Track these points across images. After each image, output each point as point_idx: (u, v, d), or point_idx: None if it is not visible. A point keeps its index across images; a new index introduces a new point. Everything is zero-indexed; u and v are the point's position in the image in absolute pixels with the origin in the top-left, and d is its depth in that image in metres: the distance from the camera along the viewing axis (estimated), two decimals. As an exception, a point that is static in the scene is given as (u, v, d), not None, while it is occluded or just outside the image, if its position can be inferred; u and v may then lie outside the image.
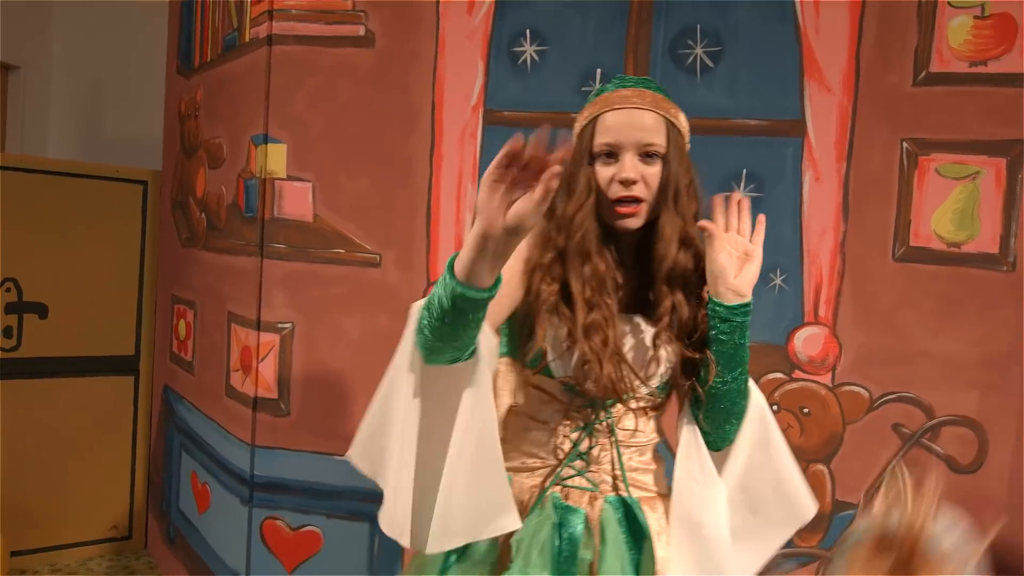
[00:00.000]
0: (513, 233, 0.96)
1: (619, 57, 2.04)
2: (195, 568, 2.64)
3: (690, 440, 1.25)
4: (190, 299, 2.73)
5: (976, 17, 1.81)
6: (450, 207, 2.16)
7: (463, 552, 1.21)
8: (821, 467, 1.99)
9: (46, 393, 2.87)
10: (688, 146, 1.25)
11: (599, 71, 2.05)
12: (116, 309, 2.99)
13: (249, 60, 2.29)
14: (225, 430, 2.42)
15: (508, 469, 1.22)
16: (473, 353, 1.06)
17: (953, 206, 1.86)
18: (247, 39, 2.31)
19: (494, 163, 0.95)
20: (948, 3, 1.83)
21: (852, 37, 1.90)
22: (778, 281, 1.96)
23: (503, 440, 1.20)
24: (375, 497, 2.29)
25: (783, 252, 1.96)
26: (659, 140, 1.17)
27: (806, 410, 1.99)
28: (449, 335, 1.02)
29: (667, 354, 1.21)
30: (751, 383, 1.26)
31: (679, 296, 1.20)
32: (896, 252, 1.91)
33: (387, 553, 2.24)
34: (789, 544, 2.03)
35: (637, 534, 1.21)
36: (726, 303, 1.17)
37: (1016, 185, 1.83)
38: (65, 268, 2.87)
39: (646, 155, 1.17)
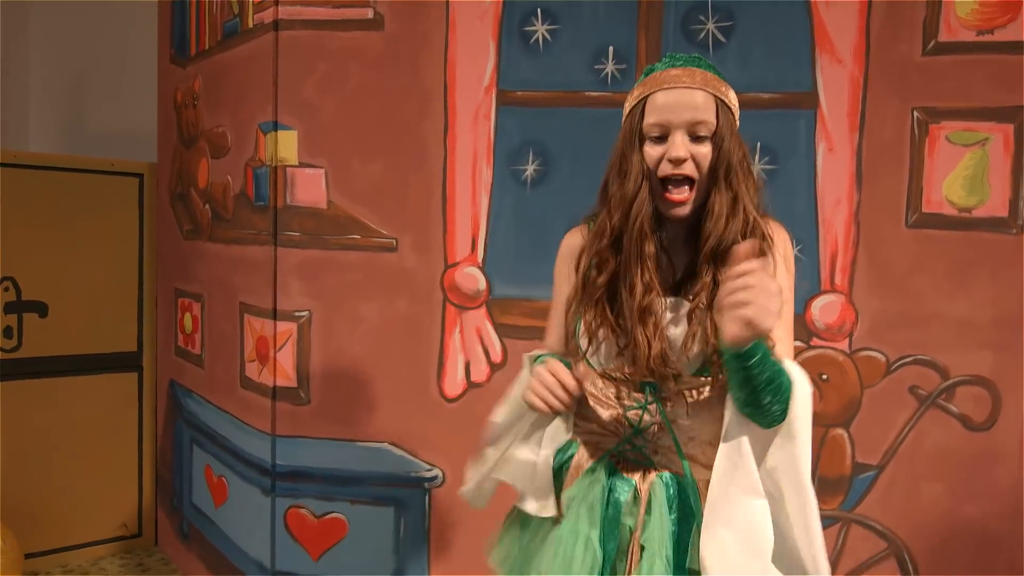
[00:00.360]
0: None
1: (631, 34, 2.05)
2: (213, 562, 2.63)
3: (733, 422, 1.19)
4: (196, 292, 2.70)
5: (982, -14, 1.86)
6: (466, 189, 2.16)
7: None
8: (840, 431, 2.04)
9: (49, 393, 2.82)
10: (738, 123, 1.23)
11: (611, 49, 2.06)
12: (117, 305, 2.94)
13: (254, 46, 2.26)
14: (242, 421, 2.40)
15: (576, 431, 1.33)
16: None
17: (963, 172, 1.91)
18: (250, 25, 2.28)
19: (551, 382, 1.16)
20: (955, -27, 1.87)
21: (862, 8, 1.93)
22: (795, 251, 2.00)
23: (579, 416, 1.32)
24: (398, 481, 2.31)
25: (799, 223, 1.99)
26: (709, 118, 1.16)
27: (825, 376, 2.03)
28: None
29: (703, 333, 1.18)
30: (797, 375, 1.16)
31: (722, 272, 1.16)
32: (909, 219, 1.95)
33: (412, 535, 2.26)
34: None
35: (688, 514, 1.22)
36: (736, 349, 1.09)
37: (1022, 151, 1.88)
38: (63, 265, 2.82)
39: (696, 135, 1.16)
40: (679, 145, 1.16)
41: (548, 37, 2.08)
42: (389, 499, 2.26)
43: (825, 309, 2.01)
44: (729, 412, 1.18)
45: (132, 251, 2.97)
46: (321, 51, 2.16)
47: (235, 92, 2.40)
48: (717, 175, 1.17)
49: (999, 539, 1.96)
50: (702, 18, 2.01)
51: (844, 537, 2.05)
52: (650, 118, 1.18)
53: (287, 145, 2.20)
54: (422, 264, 2.19)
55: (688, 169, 1.16)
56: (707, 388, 1.23)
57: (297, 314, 2.24)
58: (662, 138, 1.18)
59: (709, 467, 1.20)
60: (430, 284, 2.19)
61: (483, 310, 2.17)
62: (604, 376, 1.27)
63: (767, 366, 1.08)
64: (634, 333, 1.18)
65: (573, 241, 1.34)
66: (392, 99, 2.16)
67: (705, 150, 1.17)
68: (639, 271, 1.19)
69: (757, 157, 2.01)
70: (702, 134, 1.16)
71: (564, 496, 1.28)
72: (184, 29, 2.71)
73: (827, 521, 2.07)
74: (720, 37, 2.00)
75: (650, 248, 1.19)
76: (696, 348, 1.19)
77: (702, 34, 2.01)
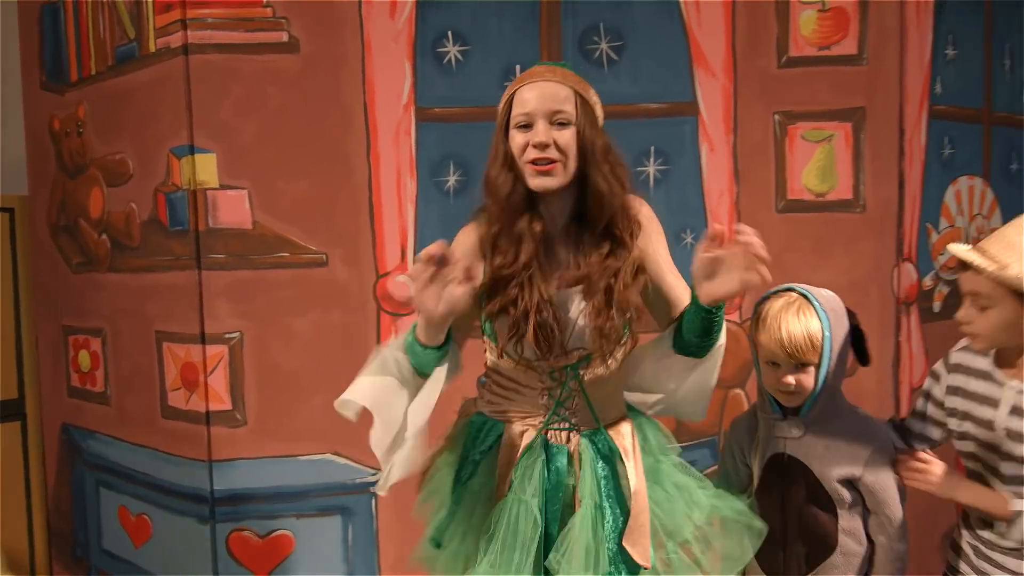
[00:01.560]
0: (448, 315, 1.25)
1: (534, 54, 2.26)
2: (136, 606, 2.51)
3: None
4: (94, 327, 2.57)
5: (819, 11, 2.26)
6: (392, 202, 2.27)
7: (465, 484, 1.46)
8: (738, 391, 2.36)
9: (-80, 453, 2.56)
10: (601, 119, 1.42)
11: (517, 67, 2.26)
12: (-8, 350, 2.72)
13: (159, 71, 2.23)
14: (168, 453, 2.34)
15: (501, 417, 1.47)
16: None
17: (816, 164, 2.30)
18: (152, 49, 2.24)
19: (416, 267, 1.22)
20: (799, 0, 2.26)
21: (727, 30, 2.27)
22: (688, 240, 2.29)
23: (487, 390, 1.52)
24: (344, 489, 2.37)
25: (690, 214, 2.30)
26: (568, 108, 1.33)
27: (723, 345, 2.35)
28: (423, 366, 1.36)
29: (598, 309, 1.37)
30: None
31: (599, 255, 1.37)
32: (778, 205, 2.32)
33: (361, 541, 2.31)
34: (715, 459, 2.39)
35: (608, 456, 1.45)
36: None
37: (860, 144, 2.30)
38: (-73, 312, 2.58)
39: (558, 123, 1.33)
40: (541, 131, 1.32)
41: (460, 57, 2.25)
42: (336, 508, 2.30)
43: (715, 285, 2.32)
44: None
45: (7, 291, 2.76)
46: (236, 74, 2.18)
47: (136, 117, 2.34)
48: (588, 157, 1.35)
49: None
50: (596, 39, 2.26)
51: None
52: (516, 109, 1.36)
53: (206, 168, 2.19)
54: (354, 276, 2.26)
55: (551, 153, 1.33)
56: (620, 353, 1.44)
57: (227, 336, 2.23)
58: (527, 126, 1.34)
59: (616, 420, 1.46)
60: (363, 295, 2.27)
61: (416, 315, 2.28)
62: (526, 365, 1.41)
63: (722, 311, 1.35)
64: (533, 321, 1.34)
65: (467, 239, 1.44)
66: (313, 119, 2.22)
67: (567, 136, 1.34)
68: (521, 249, 1.35)
69: (652, 159, 2.29)
70: (562, 121, 1.34)
71: (503, 470, 1.43)
72: (59, 54, 2.59)
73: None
74: (613, 56, 2.27)
75: (522, 224, 1.35)
76: (594, 323, 1.37)
77: (596, 53, 2.27)
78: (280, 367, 2.25)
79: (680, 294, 1.45)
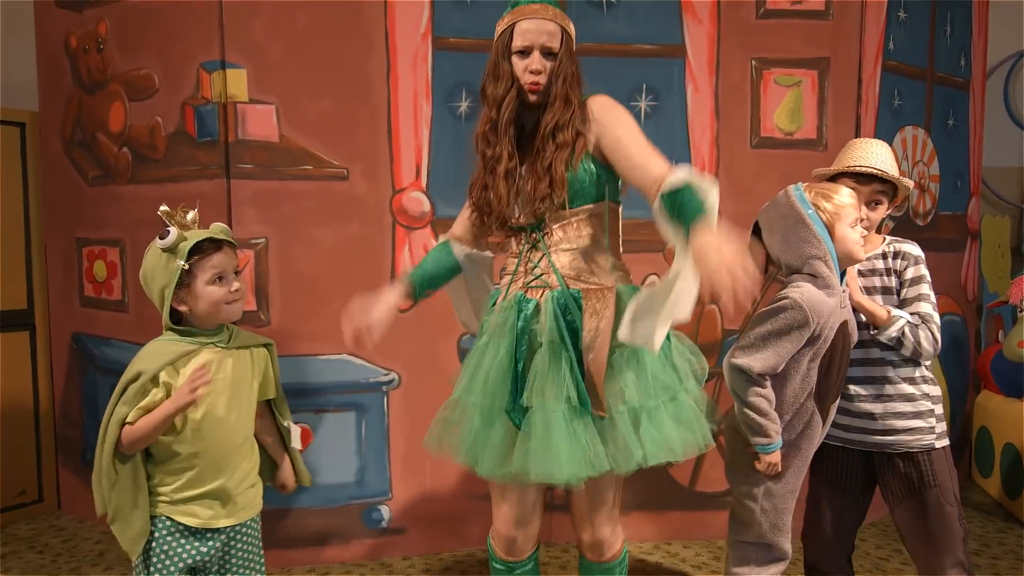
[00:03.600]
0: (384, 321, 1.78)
1: (542, -7, 2.48)
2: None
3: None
4: (113, 237, 2.69)
5: (794, -31, 2.55)
6: (408, 122, 2.46)
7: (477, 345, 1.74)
8: (712, 306, 2.66)
9: (-68, 356, 2.64)
10: (575, 45, 1.71)
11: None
12: (3, 261, 2.80)
13: (190, -11, 2.37)
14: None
15: (502, 284, 1.78)
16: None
17: (787, 106, 2.60)
18: (183, -31, 2.37)
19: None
20: (777, -42, 2.55)
21: (714, -19, 2.54)
22: (674, 169, 2.56)
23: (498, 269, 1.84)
24: (358, 388, 2.58)
25: (676, 146, 2.57)
26: (556, 43, 1.67)
27: (700, 265, 2.63)
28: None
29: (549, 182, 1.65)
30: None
31: (558, 137, 1.66)
32: (752, 142, 2.61)
33: (373, 436, 2.53)
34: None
35: (568, 309, 1.68)
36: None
37: (824, 90, 2.61)
38: (-59, 219, 2.64)
39: (547, 53, 1.66)
40: (536, 60, 1.66)
41: (475, -8, 2.45)
42: (351, 405, 2.51)
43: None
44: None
45: (16, 204, 2.84)
46: (267, -5, 2.34)
47: (163, 34, 2.46)
48: (558, 80, 1.67)
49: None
50: (598, -17, 2.50)
51: (718, 389, 2.68)
52: (517, 40, 1.66)
53: (237, 83, 2.35)
54: (372, 190, 2.46)
55: (542, 79, 1.66)
56: (571, 218, 1.70)
57: (254, 241, 2.40)
58: (524, 53, 1.66)
59: (585, 281, 1.68)
60: (380, 208, 2.47)
61: (428, 229, 2.50)
62: (508, 231, 1.72)
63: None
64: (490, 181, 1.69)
65: None
66: (337, 42, 2.40)
67: (552, 64, 1.67)
68: (507, 146, 1.68)
69: (644, 95, 2.55)
70: (552, 50, 1.66)
71: (488, 321, 1.72)
72: (79, -27, 2.67)
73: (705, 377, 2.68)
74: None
75: (512, 131, 1.69)
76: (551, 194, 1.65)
77: (598, -4, 2.51)
78: (302, 272, 2.44)
79: (646, 162, 1.65)
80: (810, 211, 1.72)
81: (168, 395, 1.53)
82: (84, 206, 2.78)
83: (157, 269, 1.57)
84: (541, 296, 1.68)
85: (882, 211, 1.92)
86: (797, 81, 2.60)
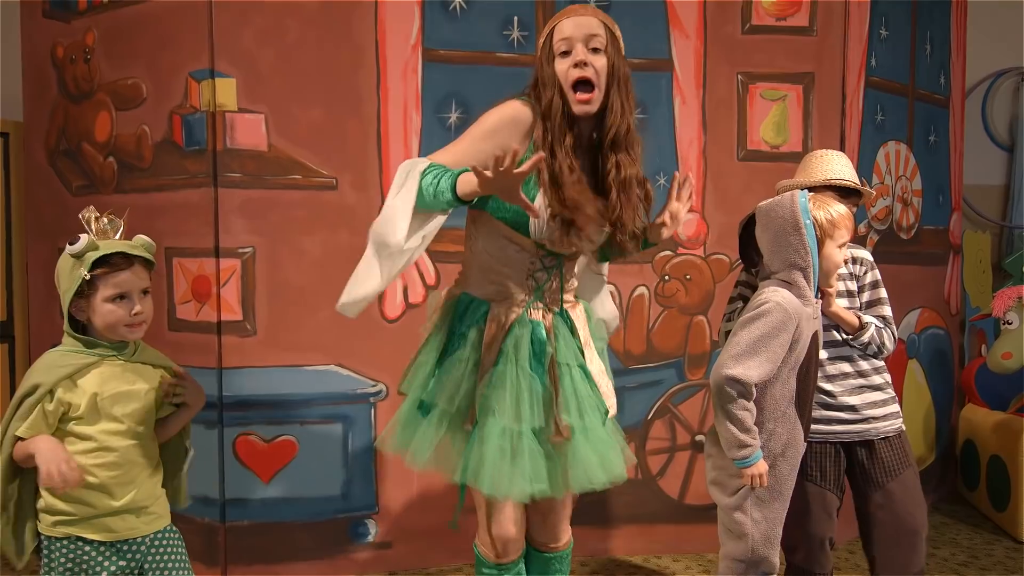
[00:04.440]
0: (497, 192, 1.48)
1: (530, 7, 2.51)
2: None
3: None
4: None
5: (778, -14, 2.59)
6: (398, 133, 2.47)
7: (452, 355, 1.66)
8: (701, 317, 2.66)
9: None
10: (623, 50, 1.67)
11: (516, 19, 2.50)
12: (-17, 272, 2.76)
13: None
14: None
15: (483, 296, 1.68)
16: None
17: (773, 120, 2.63)
18: (173, -22, 2.37)
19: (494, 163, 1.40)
20: (760, -23, 2.59)
21: (700, -2, 2.58)
22: (662, 181, 2.57)
23: (471, 273, 1.71)
24: (345, 399, 2.55)
25: (664, 158, 2.59)
26: (601, 34, 1.59)
27: (688, 276, 2.65)
28: (434, 204, 1.57)
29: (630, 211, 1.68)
30: None
31: (621, 156, 1.63)
32: (739, 154, 2.63)
33: (360, 448, 2.50)
34: (681, 378, 2.68)
35: (574, 331, 1.73)
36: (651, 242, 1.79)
37: (809, 104, 2.64)
38: (-79, 228, 2.60)
39: (592, 48, 1.58)
40: (580, 52, 1.57)
41: (464, 5, 2.47)
42: (337, 416, 2.48)
43: (686, 225, 2.62)
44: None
45: (-1, 215, 2.81)
46: (257, 5, 2.34)
47: (152, 44, 2.45)
48: (613, 80, 1.61)
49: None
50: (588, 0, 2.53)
51: (708, 399, 2.67)
52: (558, 37, 1.59)
53: (226, 91, 2.34)
54: (361, 200, 2.45)
55: (589, 73, 1.57)
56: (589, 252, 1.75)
57: (241, 250, 2.38)
58: (567, 52, 1.58)
59: (571, 299, 1.74)
60: (369, 219, 2.37)
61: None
62: (537, 245, 1.63)
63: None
64: (574, 216, 1.58)
65: (523, 112, 1.62)
66: (327, 53, 2.40)
67: (601, 61, 1.59)
68: (567, 161, 1.57)
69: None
70: (597, 47, 1.58)
71: (503, 347, 1.63)
72: (66, -17, 2.67)
73: (694, 388, 2.69)
74: (601, 13, 2.54)
75: (569, 140, 1.58)
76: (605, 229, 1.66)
77: (586, 10, 2.53)
78: (289, 282, 2.42)
79: None
80: (808, 221, 1.74)
81: (64, 411, 1.48)
82: (68, 216, 2.74)
83: (63, 273, 1.51)
84: (544, 319, 1.68)
85: None
86: (782, 95, 2.64)
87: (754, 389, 1.70)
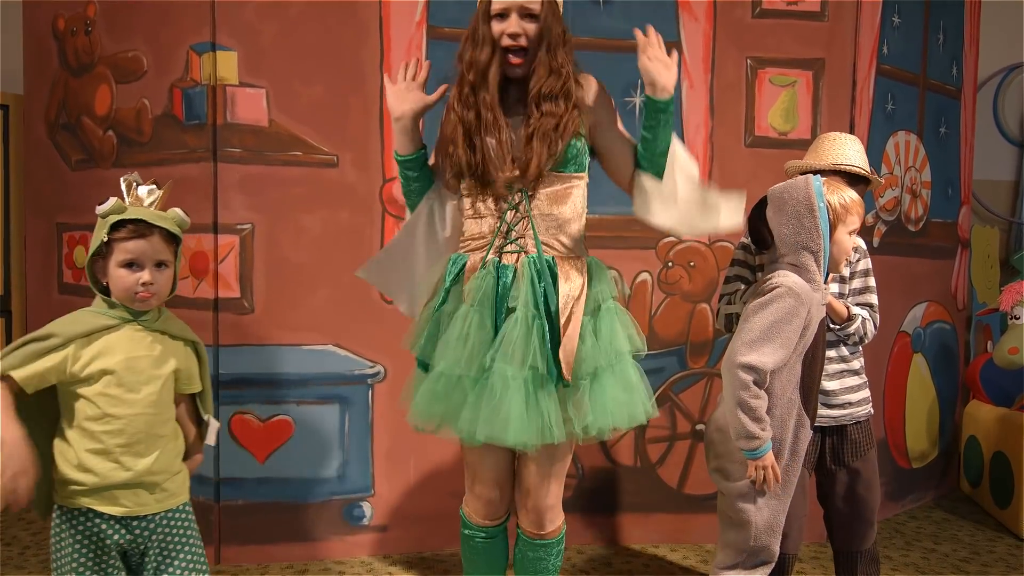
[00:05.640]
0: (413, 114, 1.73)
1: (538, -14, 2.47)
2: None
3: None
4: (94, 223, 2.62)
5: (790, -30, 2.55)
6: (401, 112, 2.42)
7: (439, 309, 1.69)
8: (704, 305, 2.63)
9: (-97, 340, 2.56)
10: (561, 10, 1.69)
11: None
12: (-20, 245, 2.74)
13: (182, -29, 2.33)
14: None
15: (467, 248, 1.72)
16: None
17: (781, 106, 2.59)
18: (176, -50, 2.34)
19: (395, 77, 1.69)
20: (772, -42, 2.55)
21: (711, -20, 2.54)
22: (667, 166, 2.54)
23: (463, 232, 1.74)
24: (343, 380, 2.52)
25: (670, 144, 2.55)
26: (535, 5, 1.63)
27: (692, 264, 2.61)
28: (409, 192, 1.82)
29: (541, 149, 1.64)
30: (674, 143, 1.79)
31: (545, 107, 1.64)
32: (747, 140, 2.60)
33: (357, 429, 2.47)
34: (682, 366, 2.65)
35: (544, 275, 1.66)
36: (661, 99, 1.70)
37: (818, 91, 2.60)
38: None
39: (528, 15, 1.63)
40: (514, 23, 1.63)
41: (471, -17, 2.43)
42: (334, 397, 2.45)
43: (690, 211, 2.58)
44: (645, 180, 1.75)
45: (-3, 188, 2.78)
46: (260, -22, 2.31)
47: (153, 16, 2.42)
48: (542, 44, 1.65)
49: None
50: (595, -22, 2.49)
51: (709, 387, 2.64)
52: (495, 4, 1.64)
53: (227, 65, 2.31)
54: (362, 179, 2.42)
55: (522, 41, 1.64)
56: (558, 183, 1.68)
57: (239, 227, 2.35)
58: (503, 16, 1.64)
59: (558, 249, 1.68)
60: (370, 197, 2.43)
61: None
62: (484, 188, 1.66)
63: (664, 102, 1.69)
64: (490, 144, 1.63)
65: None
66: (331, 28, 2.37)
67: (533, 27, 1.64)
68: (489, 109, 1.65)
69: (639, 90, 2.53)
70: (531, 14, 1.63)
71: (465, 288, 1.66)
72: (68, -45, 2.64)
73: (695, 377, 2.66)
74: (609, -4, 2.50)
75: (496, 94, 1.65)
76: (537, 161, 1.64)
77: (595, -8, 2.49)
78: (288, 260, 2.39)
79: (629, 147, 1.77)
80: (822, 205, 1.70)
81: (69, 365, 1.44)
82: (66, 191, 2.72)
83: (95, 232, 1.50)
84: (517, 261, 1.66)
85: None
86: (792, 81, 2.60)
87: (768, 377, 1.67)
